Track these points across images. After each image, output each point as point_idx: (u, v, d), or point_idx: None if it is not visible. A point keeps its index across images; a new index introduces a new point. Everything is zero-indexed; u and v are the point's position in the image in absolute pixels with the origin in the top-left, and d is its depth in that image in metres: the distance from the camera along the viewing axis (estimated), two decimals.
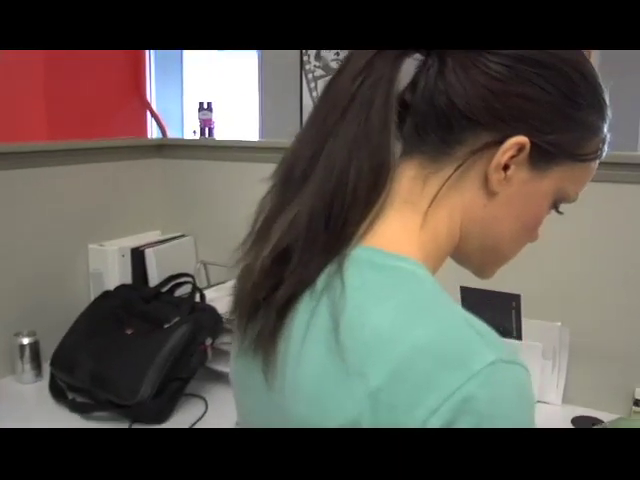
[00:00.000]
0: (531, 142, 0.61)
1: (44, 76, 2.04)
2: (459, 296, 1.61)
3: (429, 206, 0.62)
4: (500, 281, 1.53)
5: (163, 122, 2.40)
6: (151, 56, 4.42)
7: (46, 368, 1.69)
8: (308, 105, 3.88)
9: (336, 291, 0.57)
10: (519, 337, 1.60)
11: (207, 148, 2.11)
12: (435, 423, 0.50)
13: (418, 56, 0.61)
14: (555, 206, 0.68)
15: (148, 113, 2.38)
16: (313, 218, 0.59)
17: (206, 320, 1.57)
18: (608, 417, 1.51)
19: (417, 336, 0.53)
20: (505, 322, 1.60)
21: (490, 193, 0.63)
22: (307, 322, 0.59)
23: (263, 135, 4.06)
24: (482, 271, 0.72)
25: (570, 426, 1.50)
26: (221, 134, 4.54)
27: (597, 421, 1.51)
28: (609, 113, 0.66)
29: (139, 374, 1.46)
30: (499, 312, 1.59)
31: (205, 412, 1.54)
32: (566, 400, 1.60)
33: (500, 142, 0.60)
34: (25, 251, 1.78)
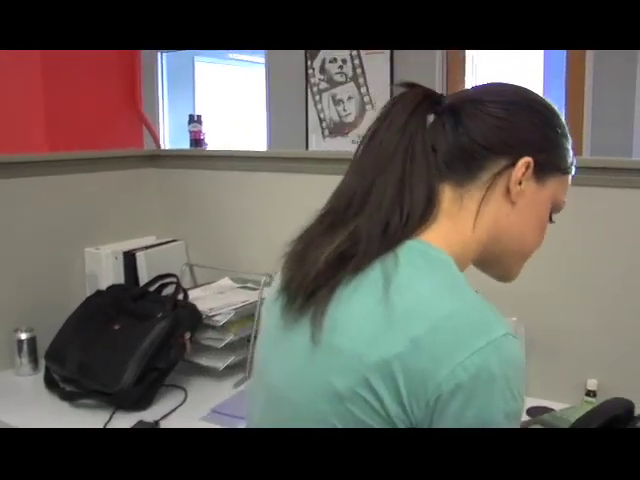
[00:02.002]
0: (534, 160, 0.83)
1: (43, 92, 2.18)
2: None
3: (475, 219, 0.83)
4: None
5: (157, 134, 2.54)
6: (163, 68, 4.59)
7: (43, 362, 1.81)
8: (313, 117, 4.01)
9: (390, 261, 0.75)
10: None
11: (197, 158, 2.24)
12: (462, 376, 0.68)
13: (438, 111, 0.85)
14: (550, 214, 0.89)
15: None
16: (372, 229, 0.77)
17: (185, 316, 1.70)
18: (561, 407, 1.60)
19: (451, 306, 0.72)
20: None
21: (511, 204, 0.84)
22: (358, 280, 0.76)
23: (271, 145, 4.21)
24: (509, 272, 0.92)
25: (525, 415, 1.59)
26: (232, 144, 4.67)
27: (549, 410, 1.60)
28: (569, 136, 0.89)
29: (121, 364, 1.59)
30: None
31: (184, 400, 1.67)
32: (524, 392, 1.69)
33: (513, 164, 0.82)
34: (26, 253, 1.92)
